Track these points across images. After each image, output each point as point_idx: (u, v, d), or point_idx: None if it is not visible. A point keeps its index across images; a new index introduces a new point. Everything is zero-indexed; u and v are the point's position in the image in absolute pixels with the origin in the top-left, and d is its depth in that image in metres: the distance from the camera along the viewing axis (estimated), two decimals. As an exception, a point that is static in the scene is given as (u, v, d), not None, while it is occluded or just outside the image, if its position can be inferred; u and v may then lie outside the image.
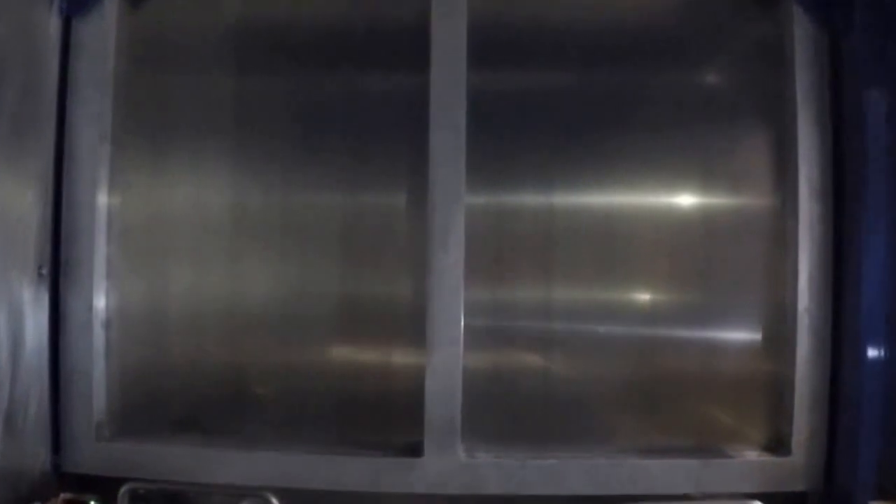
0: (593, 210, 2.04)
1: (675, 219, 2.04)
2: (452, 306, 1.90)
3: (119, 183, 2.02)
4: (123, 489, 1.77)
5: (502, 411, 1.99)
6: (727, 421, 2.00)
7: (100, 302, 1.97)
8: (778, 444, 1.94)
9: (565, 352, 2.02)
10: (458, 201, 1.92)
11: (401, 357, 2.01)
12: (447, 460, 1.90)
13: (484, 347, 1.97)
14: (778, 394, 1.96)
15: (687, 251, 2.02)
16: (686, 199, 2.05)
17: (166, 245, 2.05)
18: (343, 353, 2.05)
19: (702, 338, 2.02)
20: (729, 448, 1.96)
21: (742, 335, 2.01)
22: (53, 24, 1.93)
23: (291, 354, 2.05)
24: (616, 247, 2.01)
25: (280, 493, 1.81)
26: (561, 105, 2.03)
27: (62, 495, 1.83)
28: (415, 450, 1.91)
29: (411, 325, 1.94)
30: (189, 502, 1.79)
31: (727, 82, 2.05)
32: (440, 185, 1.92)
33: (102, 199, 1.98)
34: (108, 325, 1.98)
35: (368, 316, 2.03)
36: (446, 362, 1.89)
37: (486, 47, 1.95)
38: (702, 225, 2.03)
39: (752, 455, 1.94)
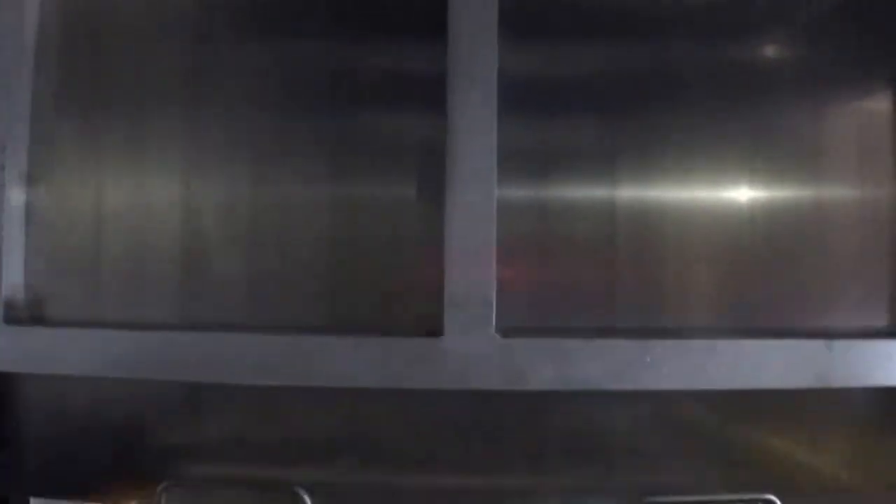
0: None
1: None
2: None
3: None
4: (161, 487, 1.46)
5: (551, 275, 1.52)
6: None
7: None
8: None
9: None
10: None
11: (415, 202, 1.54)
12: (475, 343, 1.37)
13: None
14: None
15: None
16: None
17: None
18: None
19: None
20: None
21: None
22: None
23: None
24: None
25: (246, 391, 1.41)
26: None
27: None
28: (431, 328, 1.39)
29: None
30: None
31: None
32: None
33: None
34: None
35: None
36: (474, 205, 1.39)
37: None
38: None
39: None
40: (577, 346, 1.37)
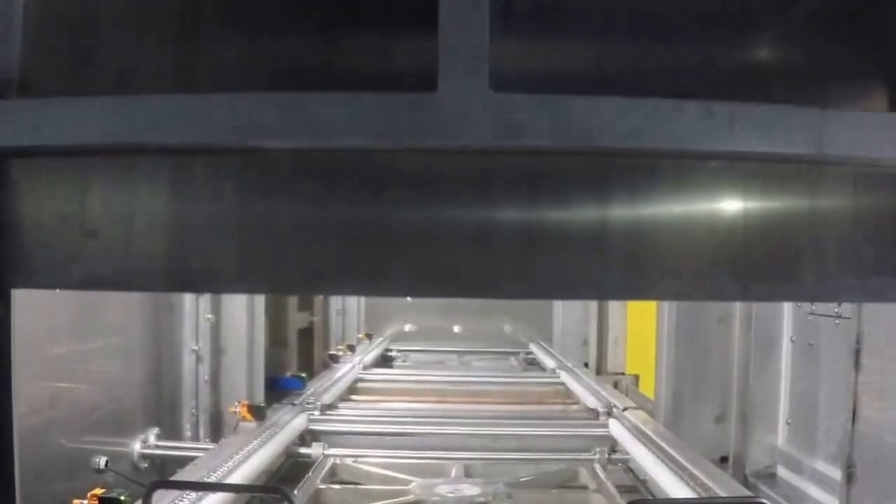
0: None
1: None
2: None
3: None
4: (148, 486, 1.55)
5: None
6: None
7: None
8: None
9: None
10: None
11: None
12: (469, 97, 1.29)
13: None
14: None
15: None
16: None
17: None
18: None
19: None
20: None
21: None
22: None
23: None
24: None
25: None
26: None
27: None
28: (423, 81, 1.30)
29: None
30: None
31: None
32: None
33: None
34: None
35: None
36: None
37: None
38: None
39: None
40: (575, 102, 1.31)
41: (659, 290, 1.55)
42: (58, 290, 2.63)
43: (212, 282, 1.65)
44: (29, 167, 1.44)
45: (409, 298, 7.91)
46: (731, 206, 1.44)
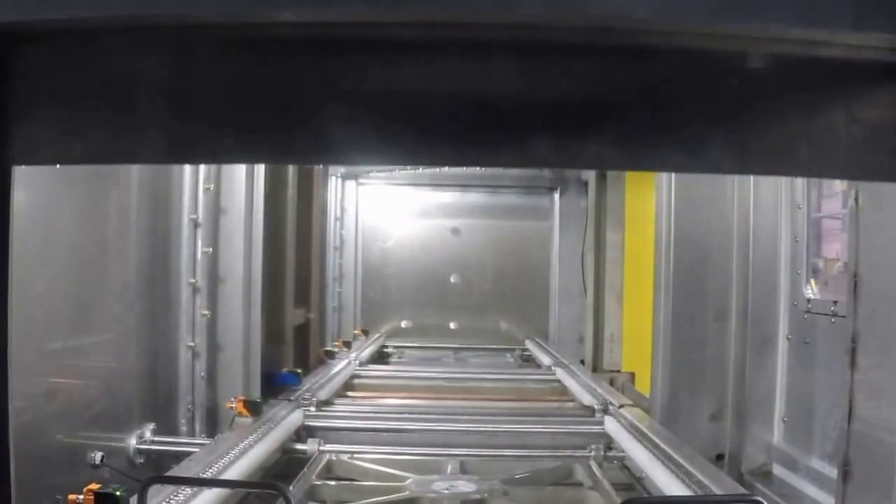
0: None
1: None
2: None
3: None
4: (144, 481, 1.57)
5: None
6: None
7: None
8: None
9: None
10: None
11: None
12: None
13: None
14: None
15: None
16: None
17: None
18: None
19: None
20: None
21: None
22: None
23: None
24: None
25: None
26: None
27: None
28: None
29: None
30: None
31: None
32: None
33: None
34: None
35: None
36: None
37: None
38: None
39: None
40: None
41: (657, 161, 1.55)
42: (57, 286, 2.62)
43: (213, 153, 1.68)
44: (34, 45, 1.42)
45: (407, 298, 7.92)
46: (729, 82, 1.42)
